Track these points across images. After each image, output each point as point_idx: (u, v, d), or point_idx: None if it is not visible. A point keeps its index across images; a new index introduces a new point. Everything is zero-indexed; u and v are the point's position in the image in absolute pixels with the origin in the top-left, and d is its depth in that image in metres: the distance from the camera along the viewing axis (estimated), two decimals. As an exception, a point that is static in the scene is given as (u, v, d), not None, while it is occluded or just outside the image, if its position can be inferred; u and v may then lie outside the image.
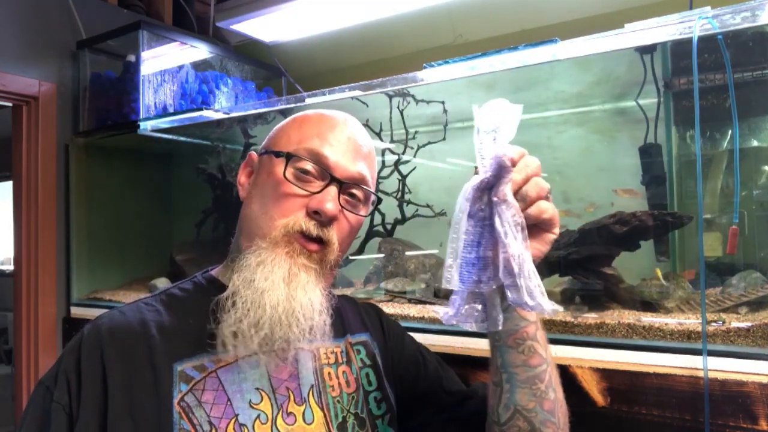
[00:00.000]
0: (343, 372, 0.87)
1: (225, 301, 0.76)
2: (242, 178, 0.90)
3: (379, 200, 0.91)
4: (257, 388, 0.78)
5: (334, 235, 0.81)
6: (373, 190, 0.88)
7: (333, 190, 0.81)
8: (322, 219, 0.79)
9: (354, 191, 0.84)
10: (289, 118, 0.90)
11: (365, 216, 0.88)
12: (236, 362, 0.78)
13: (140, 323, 0.79)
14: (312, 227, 0.79)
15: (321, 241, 0.80)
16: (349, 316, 0.96)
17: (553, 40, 1.15)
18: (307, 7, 1.74)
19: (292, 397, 0.80)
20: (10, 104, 2.05)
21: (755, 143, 1.42)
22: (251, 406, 0.76)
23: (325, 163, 0.81)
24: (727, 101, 1.06)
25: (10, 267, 4.40)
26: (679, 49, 1.43)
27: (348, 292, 1.73)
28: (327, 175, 0.81)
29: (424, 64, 1.31)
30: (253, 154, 0.90)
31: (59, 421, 0.71)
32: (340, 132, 0.85)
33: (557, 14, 1.82)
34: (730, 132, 1.41)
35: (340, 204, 0.82)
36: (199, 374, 0.76)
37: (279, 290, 0.75)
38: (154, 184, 2.44)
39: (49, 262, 2.06)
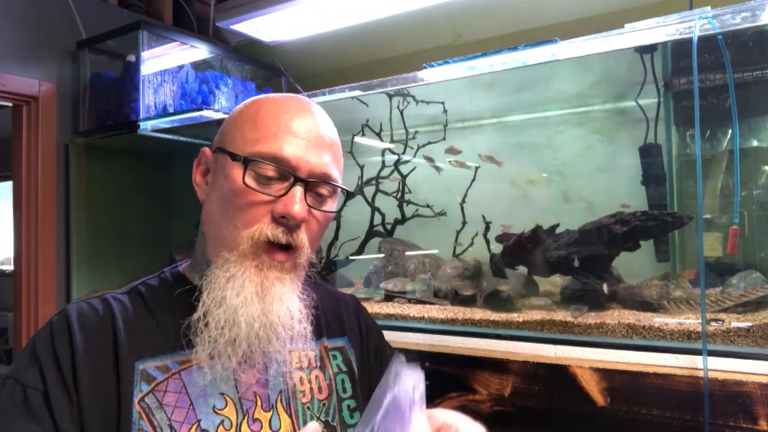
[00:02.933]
0: (316, 377, 0.83)
1: (197, 323, 0.73)
2: (197, 177, 0.83)
3: (351, 194, 0.86)
4: (222, 393, 0.74)
5: (304, 238, 0.76)
6: (340, 183, 0.81)
7: (299, 191, 0.75)
8: (290, 224, 0.74)
9: (320, 189, 0.79)
10: (241, 108, 0.82)
11: (334, 212, 0.82)
12: (201, 364, 0.74)
13: (106, 315, 0.75)
14: (280, 234, 0.74)
15: (290, 247, 0.76)
16: (328, 317, 0.91)
17: (553, 40, 1.15)
18: (307, 7, 1.74)
19: (259, 403, 0.76)
20: (10, 104, 2.05)
21: (755, 143, 1.42)
22: (215, 412, 0.73)
23: (288, 163, 0.75)
24: (727, 101, 1.06)
25: (10, 267, 4.40)
26: (679, 49, 1.43)
27: (348, 292, 1.73)
28: (290, 175, 0.75)
29: (424, 64, 1.31)
30: (206, 150, 0.83)
31: (38, 404, 0.67)
32: (300, 124, 0.77)
33: (557, 14, 1.82)
34: (730, 132, 1.41)
35: (307, 203, 0.76)
36: (162, 375, 0.73)
37: (253, 305, 0.72)
38: (154, 184, 2.44)
39: (49, 262, 2.06)
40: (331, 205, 0.82)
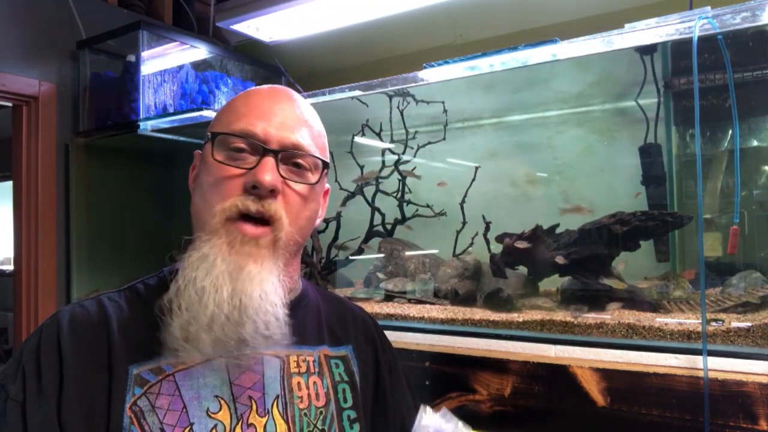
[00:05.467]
0: (314, 383, 0.80)
1: (168, 304, 0.70)
2: (190, 179, 0.83)
3: (326, 165, 0.82)
4: (216, 396, 0.72)
5: (279, 209, 0.74)
6: (318, 155, 0.80)
7: (270, 161, 0.74)
8: (261, 192, 0.73)
9: (298, 160, 0.78)
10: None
11: (315, 183, 0.80)
12: (196, 366, 0.72)
13: (101, 319, 0.73)
14: (250, 204, 0.72)
15: (264, 220, 0.74)
16: (332, 324, 0.88)
17: (553, 40, 1.15)
18: (307, 7, 1.74)
19: (254, 408, 0.73)
20: (10, 104, 2.05)
21: (755, 143, 1.42)
22: (208, 415, 0.70)
23: (256, 136, 0.75)
24: (727, 101, 1.06)
25: (10, 267, 4.40)
26: (679, 49, 1.43)
27: (348, 292, 1.73)
28: (260, 148, 0.75)
29: (424, 64, 1.31)
30: (198, 153, 0.84)
31: (14, 417, 0.66)
32: (270, 104, 0.78)
33: (557, 14, 1.82)
34: (730, 132, 1.41)
35: (281, 175, 0.75)
36: (155, 377, 0.70)
37: (225, 286, 0.69)
38: (154, 184, 2.43)
39: (49, 262, 2.06)
40: (312, 178, 0.80)
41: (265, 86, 0.84)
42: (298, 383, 0.78)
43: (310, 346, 0.82)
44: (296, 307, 0.82)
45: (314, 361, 0.82)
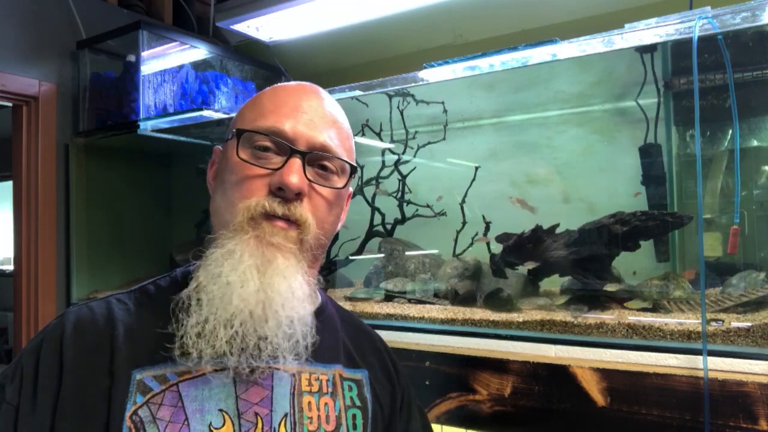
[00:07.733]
0: (325, 404, 0.75)
1: (187, 300, 0.68)
2: (209, 176, 0.81)
3: (354, 169, 0.79)
4: (220, 410, 0.68)
5: (305, 212, 0.72)
6: (345, 158, 0.77)
7: (296, 162, 0.72)
8: (287, 195, 0.71)
9: (325, 163, 0.75)
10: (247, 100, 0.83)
11: (341, 188, 0.77)
12: (202, 376, 0.69)
13: (107, 321, 0.71)
14: (276, 206, 0.70)
15: (290, 221, 0.72)
16: (348, 344, 0.84)
17: (553, 40, 1.15)
18: (307, 7, 1.74)
19: (260, 425, 0.69)
20: (10, 104, 2.05)
21: (755, 143, 1.42)
22: (210, 430, 0.67)
23: (284, 135, 0.72)
24: (727, 101, 1.06)
25: (10, 267, 4.40)
26: (679, 49, 1.43)
27: (348, 292, 1.73)
28: (287, 148, 0.72)
29: (424, 64, 1.31)
30: (218, 148, 0.82)
31: (6, 421, 0.65)
32: (298, 100, 0.76)
33: (557, 14, 1.82)
34: (730, 132, 1.41)
35: (308, 178, 0.73)
36: (158, 386, 0.67)
37: (252, 281, 0.67)
38: (154, 184, 2.44)
39: (49, 262, 2.06)
40: (339, 182, 0.77)
41: (292, 82, 0.81)
42: (309, 403, 0.74)
43: (325, 364, 0.78)
44: (315, 319, 0.77)
45: (328, 381, 0.77)
